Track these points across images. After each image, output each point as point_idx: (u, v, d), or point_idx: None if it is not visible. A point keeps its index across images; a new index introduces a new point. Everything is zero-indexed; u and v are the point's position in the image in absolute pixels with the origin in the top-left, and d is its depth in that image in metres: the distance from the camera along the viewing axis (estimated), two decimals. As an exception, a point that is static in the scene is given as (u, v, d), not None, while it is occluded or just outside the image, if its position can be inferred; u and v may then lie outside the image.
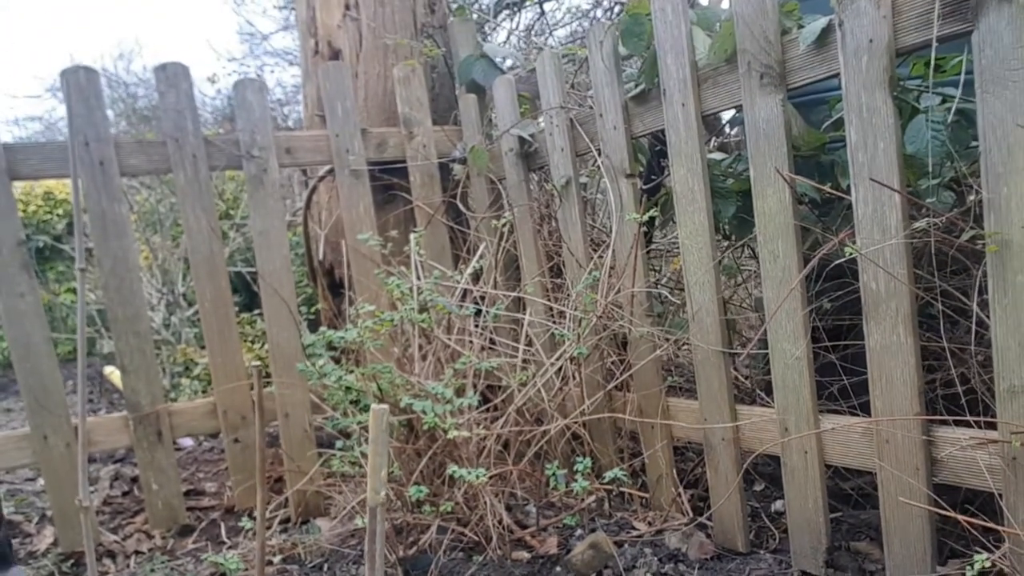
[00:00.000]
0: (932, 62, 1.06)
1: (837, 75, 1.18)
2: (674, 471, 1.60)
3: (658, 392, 1.58)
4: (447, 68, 2.18)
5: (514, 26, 2.98)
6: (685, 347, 1.91)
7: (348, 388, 1.40)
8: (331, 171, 2.01)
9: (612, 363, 1.66)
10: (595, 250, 1.75)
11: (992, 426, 1.09)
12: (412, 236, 1.75)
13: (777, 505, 1.62)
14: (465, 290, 1.70)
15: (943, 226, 1.07)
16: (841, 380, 1.42)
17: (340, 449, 1.52)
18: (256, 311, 2.43)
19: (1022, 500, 1.06)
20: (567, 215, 1.75)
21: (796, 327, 1.30)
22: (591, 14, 2.80)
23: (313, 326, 2.17)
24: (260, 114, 1.87)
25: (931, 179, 1.13)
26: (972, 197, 1.02)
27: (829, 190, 1.22)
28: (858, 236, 1.17)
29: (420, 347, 1.60)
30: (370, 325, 1.42)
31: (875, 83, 1.12)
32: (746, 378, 1.67)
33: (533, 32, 2.86)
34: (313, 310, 2.33)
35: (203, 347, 2.82)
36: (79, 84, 1.72)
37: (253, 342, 2.93)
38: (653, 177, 1.79)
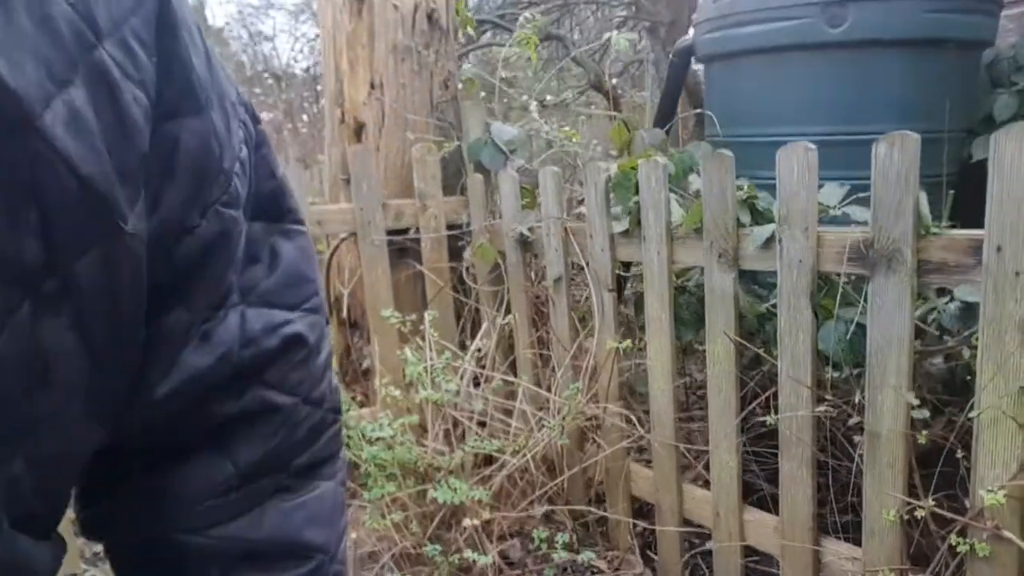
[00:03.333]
0: (840, 288, 1.42)
1: (776, 272, 1.53)
2: (631, 523, 2.03)
3: (621, 464, 1.99)
4: (456, 139, 2.47)
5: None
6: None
7: (379, 464, 1.78)
8: (351, 235, 2.32)
9: (587, 427, 2.05)
10: (582, 325, 2.11)
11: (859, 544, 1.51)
12: (427, 315, 2.09)
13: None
14: (469, 368, 2.06)
15: (838, 409, 1.46)
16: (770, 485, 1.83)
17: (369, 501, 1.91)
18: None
19: (872, 603, 1.49)
20: (557, 306, 2.10)
21: (731, 444, 1.69)
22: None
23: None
24: (298, 195, 2.16)
25: (833, 371, 1.50)
26: (857, 396, 1.40)
27: (763, 354, 1.60)
28: (780, 395, 1.56)
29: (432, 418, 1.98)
30: (402, 422, 1.78)
31: (801, 291, 1.48)
32: (695, 457, 2.08)
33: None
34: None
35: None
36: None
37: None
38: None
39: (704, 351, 1.73)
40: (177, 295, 0.43)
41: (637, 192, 1.79)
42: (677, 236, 1.74)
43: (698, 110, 2.69)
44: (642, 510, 2.07)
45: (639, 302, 2.10)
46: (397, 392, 1.90)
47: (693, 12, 9.39)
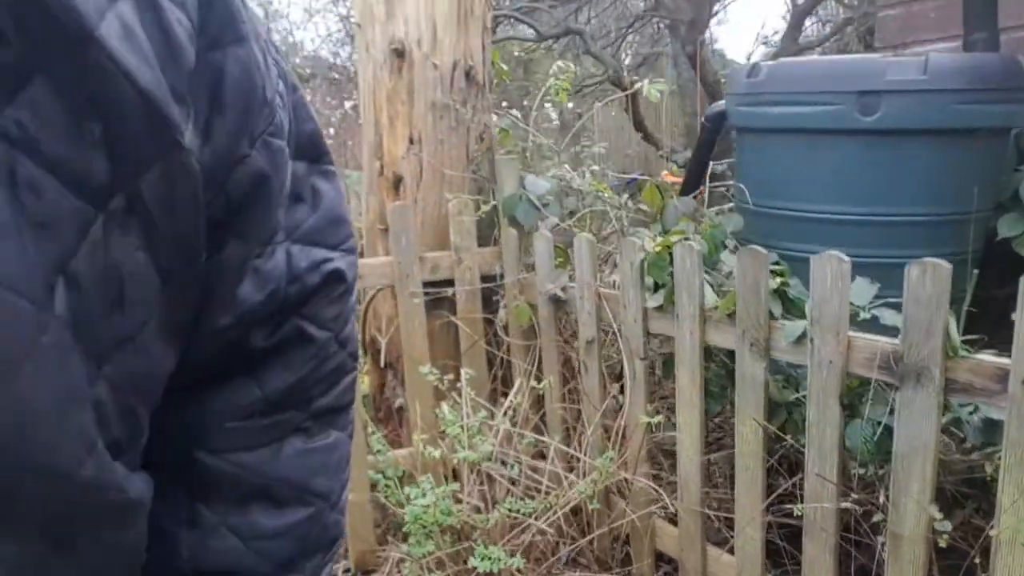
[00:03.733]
0: (871, 390, 1.49)
1: (806, 367, 1.61)
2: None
3: (648, 523, 2.08)
4: (491, 191, 2.53)
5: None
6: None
7: (422, 523, 1.88)
8: (388, 287, 2.40)
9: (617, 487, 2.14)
10: (616, 379, 2.18)
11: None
12: (463, 374, 2.18)
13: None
14: (502, 427, 2.15)
15: (862, 505, 1.54)
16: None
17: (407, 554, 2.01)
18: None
19: None
20: (588, 367, 2.18)
21: (756, 519, 1.78)
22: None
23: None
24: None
25: (859, 468, 1.58)
26: (882, 495, 1.48)
27: (791, 441, 1.68)
28: (806, 483, 1.63)
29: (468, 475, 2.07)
30: (444, 490, 1.87)
31: (830, 390, 1.55)
32: (725, 520, 2.16)
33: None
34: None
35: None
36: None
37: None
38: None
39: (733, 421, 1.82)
40: (232, 229, 0.45)
41: (671, 266, 1.86)
42: (710, 318, 1.81)
43: (715, 103, 2.74)
44: (665, 558, 2.16)
45: (668, 363, 2.18)
46: (437, 454, 1.99)
47: (713, 10, 9.25)
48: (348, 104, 5.59)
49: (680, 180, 5.67)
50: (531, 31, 9.02)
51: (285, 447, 0.54)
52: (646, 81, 2.73)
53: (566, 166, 2.55)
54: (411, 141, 2.45)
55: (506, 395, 2.48)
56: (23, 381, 0.34)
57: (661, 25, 8.88)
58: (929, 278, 1.35)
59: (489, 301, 2.52)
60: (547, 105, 5.67)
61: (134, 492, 0.43)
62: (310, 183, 0.52)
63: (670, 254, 1.87)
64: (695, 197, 2.29)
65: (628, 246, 1.96)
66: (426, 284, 2.41)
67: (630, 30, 9.91)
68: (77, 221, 0.35)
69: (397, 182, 2.48)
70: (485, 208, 2.34)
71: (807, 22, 8.30)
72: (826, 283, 1.52)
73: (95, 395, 0.38)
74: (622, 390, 2.12)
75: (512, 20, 8.89)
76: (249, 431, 0.52)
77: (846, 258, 1.48)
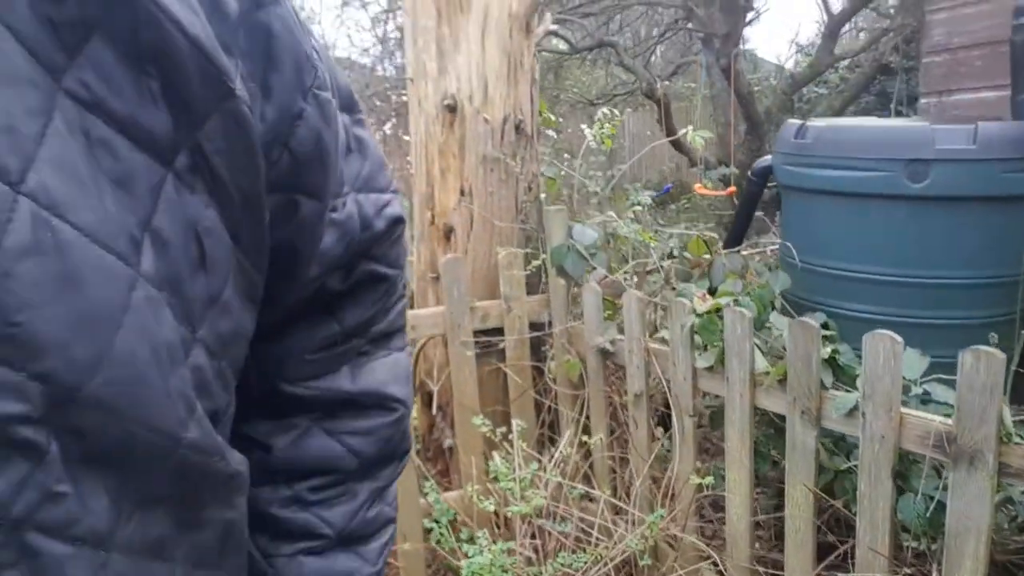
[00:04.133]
0: (925, 469, 1.53)
1: (858, 438, 1.65)
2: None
3: (696, 570, 2.13)
4: (539, 239, 2.59)
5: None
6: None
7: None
8: (438, 336, 2.48)
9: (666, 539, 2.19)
10: (665, 427, 2.24)
11: None
12: (515, 426, 2.24)
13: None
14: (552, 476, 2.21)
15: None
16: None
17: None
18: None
19: None
20: (637, 420, 2.24)
21: (806, 580, 1.82)
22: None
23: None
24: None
25: (912, 540, 1.62)
26: (935, 571, 1.52)
27: (841, 507, 1.72)
28: (858, 550, 1.67)
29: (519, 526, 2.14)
30: (500, 548, 1.94)
31: (881, 464, 1.59)
32: None
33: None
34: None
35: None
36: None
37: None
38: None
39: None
40: (302, 188, 0.47)
41: (721, 329, 1.91)
42: (760, 383, 1.85)
43: (761, 159, 2.77)
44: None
45: (716, 415, 2.23)
46: (491, 506, 2.06)
47: (746, 24, 9.16)
48: (387, 126, 5.69)
49: (712, 192, 5.63)
50: (564, 43, 9.05)
51: (354, 367, 0.61)
52: (690, 128, 2.77)
53: (611, 213, 2.60)
54: (462, 193, 2.52)
55: (553, 441, 2.54)
56: (122, 334, 0.35)
57: (693, 33, 8.86)
58: (983, 366, 1.39)
59: (537, 348, 2.58)
60: (583, 127, 5.69)
61: (235, 462, 0.46)
62: (354, 133, 0.55)
63: (720, 317, 1.92)
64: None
65: (678, 308, 2.01)
66: (476, 332, 2.48)
67: (662, 38, 9.92)
68: (149, 178, 0.36)
69: (448, 232, 2.56)
70: (535, 263, 2.41)
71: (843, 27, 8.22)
72: (878, 360, 1.56)
73: (193, 360, 0.40)
74: (670, 438, 2.17)
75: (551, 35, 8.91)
76: (325, 360, 0.59)
77: (899, 338, 1.52)
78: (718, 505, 2.22)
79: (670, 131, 8.41)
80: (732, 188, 4.58)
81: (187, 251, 0.39)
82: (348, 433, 0.60)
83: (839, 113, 7.98)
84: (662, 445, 2.22)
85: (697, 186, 5.62)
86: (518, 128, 2.51)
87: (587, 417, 2.44)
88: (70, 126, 0.33)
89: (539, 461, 2.26)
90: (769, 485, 2.27)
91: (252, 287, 0.46)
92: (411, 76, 2.56)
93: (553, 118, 2.81)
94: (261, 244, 0.45)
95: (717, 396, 2.00)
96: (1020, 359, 2.02)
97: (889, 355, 1.54)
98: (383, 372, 0.62)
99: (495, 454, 2.24)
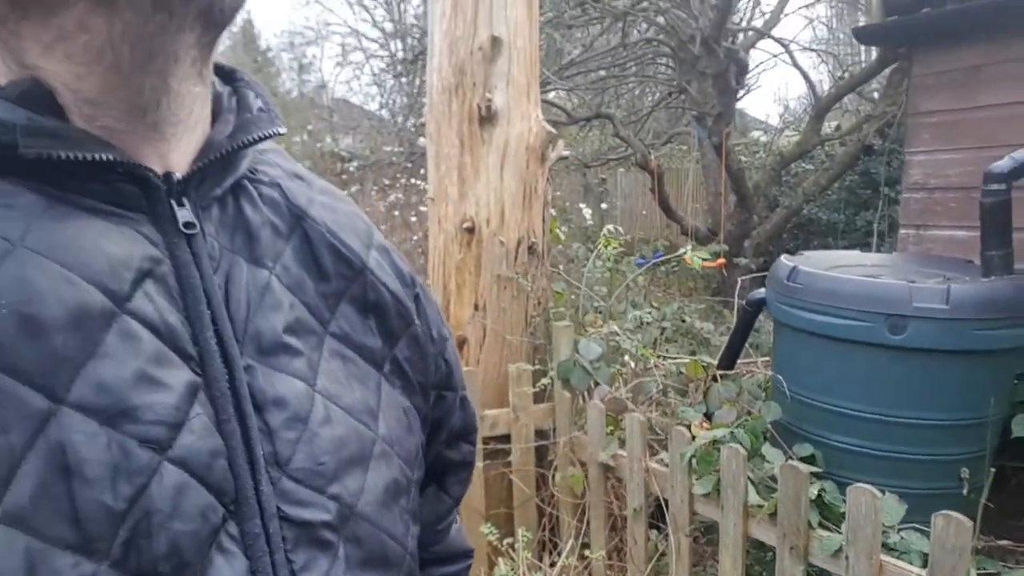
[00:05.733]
0: (899, 612, 1.69)
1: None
2: None
3: None
4: (547, 349, 2.77)
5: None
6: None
7: None
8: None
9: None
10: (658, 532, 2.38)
11: None
12: (520, 535, 2.39)
13: None
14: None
15: None
16: None
17: None
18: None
19: None
20: (635, 534, 2.39)
21: None
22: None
23: None
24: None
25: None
26: None
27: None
28: None
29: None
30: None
31: (863, 604, 1.75)
32: None
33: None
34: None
35: None
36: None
37: None
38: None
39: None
40: (449, 385, 0.69)
41: (717, 459, 2.08)
42: (752, 514, 2.02)
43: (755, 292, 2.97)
44: None
45: (711, 528, 2.39)
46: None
47: (738, 99, 9.48)
48: (392, 197, 5.89)
49: (702, 264, 5.89)
50: (563, 112, 9.34)
51: (447, 531, 0.79)
52: (689, 246, 2.98)
53: (615, 327, 2.79)
54: (476, 308, 2.70)
55: (555, 545, 2.69)
56: (371, 474, 0.55)
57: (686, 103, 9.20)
58: (953, 529, 1.57)
59: (542, 455, 2.74)
60: (582, 207, 5.92)
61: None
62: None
63: (717, 448, 2.10)
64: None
65: (678, 436, 2.19)
66: (485, 439, 2.63)
67: (655, 110, 10.28)
68: (374, 379, 0.58)
69: (461, 343, 2.73)
70: (544, 380, 2.58)
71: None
72: (860, 511, 1.73)
73: (410, 493, 0.60)
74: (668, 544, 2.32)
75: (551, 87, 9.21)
76: (444, 528, 0.78)
77: (878, 493, 1.70)
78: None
79: (662, 200, 8.70)
80: (721, 260, 4.82)
81: (400, 422, 0.60)
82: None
83: (824, 189, 8.33)
84: (660, 555, 2.36)
85: (686, 257, 5.84)
86: (531, 249, 2.71)
87: (587, 525, 2.58)
88: (332, 352, 0.56)
89: (540, 569, 2.40)
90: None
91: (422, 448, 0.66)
92: (432, 196, 2.76)
93: (562, 236, 3.00)
94: (428, 420, 0.67)
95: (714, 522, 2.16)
96: (989, 493, 2.20)
97: (870, 508, 1.71)
98: (458, 531, 0.80)
99: (500, 561, 2.38)
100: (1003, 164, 2.17)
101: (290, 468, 0.49)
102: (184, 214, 0.48)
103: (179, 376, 0.44)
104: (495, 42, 2.56)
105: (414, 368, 0.63)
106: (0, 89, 0.42)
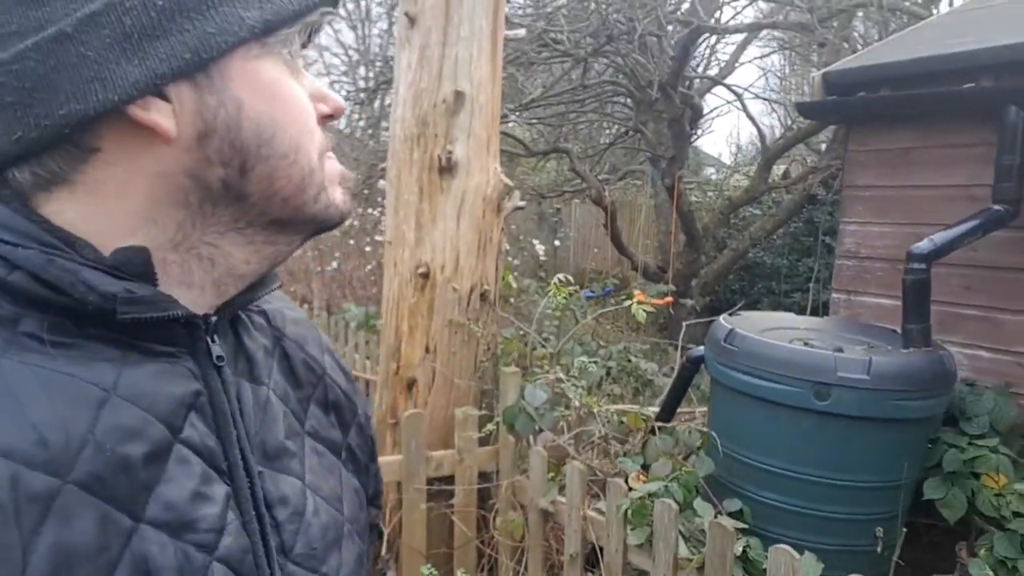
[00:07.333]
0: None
1: (759, 631, 1.92)
2: None
3: None
4: (493, 394, 2.85)
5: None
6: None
7: None
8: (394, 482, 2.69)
9: None
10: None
11: None
12: (458, 574, 2.45)
13: None
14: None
15: None
16: None
17: None
18: None
19: None
20: (571, 579, 2.47)
21: None
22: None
23: None
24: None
25: None
26: None
27: None
28: None
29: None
30: None
31: (778, 659, 1.86)
32: None
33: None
34: None
35: None
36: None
37: None
38: None
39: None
40: (374, 457, 0.79)
41: (651, 512, 2.17)
42: (682, 567, 2.12)
43: (695, 349, 3.11)
44: None
45: (640, 578, 2.48)
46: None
47: (691, 143, 9.75)
48: (346, 224, 5.93)
49: (650, 302, 6.08)
50: (520, 144, 9.50)
51: None
52: (635, 300, 3.10)
53: (560, 374, 2.88)
54: (427, 350, 2.77)
55: (493, 586, 2.75)
56: (344, 551, 0.65)
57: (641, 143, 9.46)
58: (860, 594, 1.69)
59: (484, 497, 2.81)
60: (535, 242, 6.03)
61: None
62: None
63: (651, 501, 2.20)
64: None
65: (615, 488, 2.28)
66: (429, 480, 2.70)
67: (611, 147, 10.53)
68: (338, 468, 0.68)
69: (411, 384, 2.79)
70: (490, 426, 2.66)
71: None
72: (780, 570, 1.85)
73: (366, 566, 0.70)
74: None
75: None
76: None
77: (797, 555, 1.81)
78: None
79: (615, 236, 8.90)
80: (669, 299, 5.01)
81: (353, 502, 0.69)
82: None
83: (770, 234, 8.63)
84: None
85: (637, 293, 6.00)
86: (483, 296, 2.79)
87: (525, 568, 2.66)
88: (311, 449, 0.66)
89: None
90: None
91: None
92: (389, 239, 2.83)
93: (514, 284, 3.10)
94: (366, 491, 0.77)
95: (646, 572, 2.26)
96: (901, 550, 2.35)
97: (788, 568, 1.83)
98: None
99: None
100: (923, 246, 2.34)
101: (293, 555, 0.59)
102: (216, 349, 0.57)
103: (219, 490, 0.54)
104: (458, 96, 2.65)
105: (361, 451, 0.74)
106: (103, 259, 0.51)
